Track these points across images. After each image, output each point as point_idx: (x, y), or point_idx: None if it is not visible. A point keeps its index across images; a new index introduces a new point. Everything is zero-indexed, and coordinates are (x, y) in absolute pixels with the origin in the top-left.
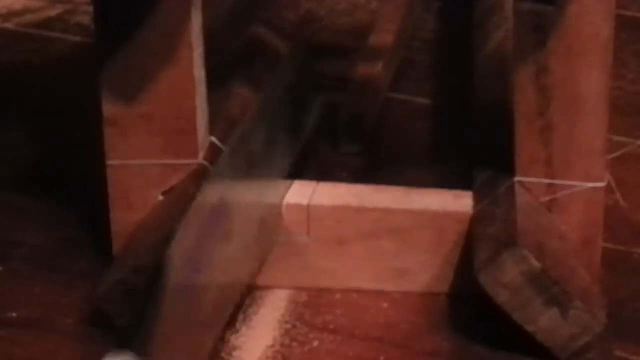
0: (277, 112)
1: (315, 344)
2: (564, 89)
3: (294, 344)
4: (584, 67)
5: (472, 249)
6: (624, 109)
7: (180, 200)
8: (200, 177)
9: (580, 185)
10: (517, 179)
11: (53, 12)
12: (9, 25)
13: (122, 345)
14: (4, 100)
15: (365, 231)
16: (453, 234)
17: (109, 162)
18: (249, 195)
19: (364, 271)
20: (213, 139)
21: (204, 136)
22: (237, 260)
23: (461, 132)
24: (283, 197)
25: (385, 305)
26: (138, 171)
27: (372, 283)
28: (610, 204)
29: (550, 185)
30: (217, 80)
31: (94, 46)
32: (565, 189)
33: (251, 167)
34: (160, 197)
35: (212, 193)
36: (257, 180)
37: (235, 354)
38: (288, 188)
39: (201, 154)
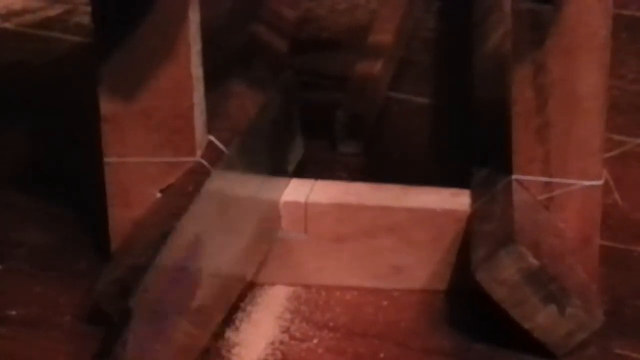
0: (278, 110)
1: (315, 341)
2: (561, 87)
3: (293, 341)
4: (581, 65)
5: (469, 247)
6: (623, 108)
7: (178, 198)
8: (198, 174)
9: (578, 183)
10: (514, 176)
11: (53, 12)
12: (8, 25)
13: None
14: (4, 100)
15: (363, 229)
16: (451, 231)
17: (107, 160)
18: (248, 192)
19: (362, 269)
20: (211, 137)
21: (201, 134)
22: (236, 255)
23: (459, 131)
24: (281, 195)
25: (384, 302)
26: (135, 169)
27: (370, 280)
28: (609, 203)
29: (547, 183)
30: (215, 78)
31: (94, 46)
32: (563, 186)
33: (252, 165)
34: (158, 195)
35: (215, 189)
36: (256, 177)
37: (234, 350)
38: (286, 186)
39: (199, 152)
